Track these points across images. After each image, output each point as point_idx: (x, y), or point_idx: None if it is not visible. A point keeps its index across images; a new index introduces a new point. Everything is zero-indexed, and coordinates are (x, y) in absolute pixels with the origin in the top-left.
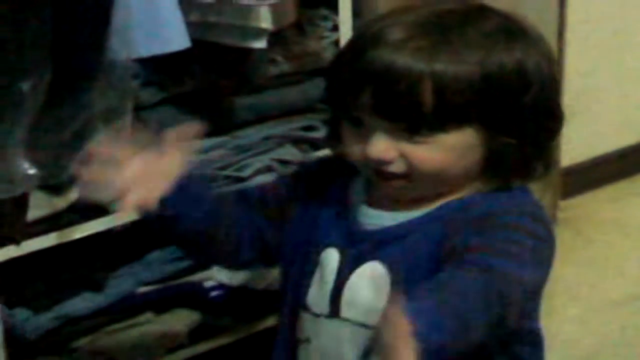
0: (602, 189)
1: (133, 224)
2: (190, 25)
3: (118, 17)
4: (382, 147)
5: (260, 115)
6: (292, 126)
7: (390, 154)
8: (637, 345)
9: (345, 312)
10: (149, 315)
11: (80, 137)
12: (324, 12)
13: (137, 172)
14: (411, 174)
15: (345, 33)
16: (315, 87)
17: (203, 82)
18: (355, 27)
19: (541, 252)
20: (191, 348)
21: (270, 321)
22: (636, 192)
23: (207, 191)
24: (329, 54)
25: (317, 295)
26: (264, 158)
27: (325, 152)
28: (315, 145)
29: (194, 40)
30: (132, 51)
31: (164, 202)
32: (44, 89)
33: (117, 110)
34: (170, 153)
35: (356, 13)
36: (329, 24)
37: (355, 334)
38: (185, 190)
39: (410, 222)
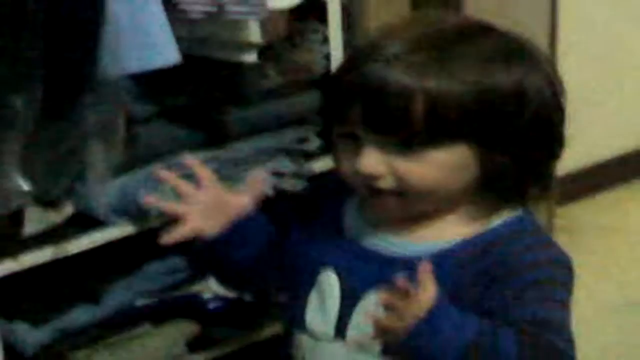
0: (599, 196)
1: (130, 237)
2: (180, 41)
3: (108, 32)
4: (373, 161)
5: (253, 128)
6: (285, 138)
7: (380, 168)
8: (635, 351)
9: (351, 335)
10: (147, 326)
11: (74, 153)
12: (315, 25)
13: (207, 200)
14: (402, 191)
15: (336, 46)
16: (307, 100)
17: (195, 96)
18: (345, 40)
19: (570, 301)
20: (190, 358)
21: (268, 332)
22: (633, 199)
23: (259, 235)
24: (320, 67)
25: (318, 317)
26: (258, 170)
27: (319, 163)
28: (309, 156)
29: (186, 55)
30: (123, 67)
31: (220, 239)
32: (37, 105)
33: (110, 125)
34: (243, 193)
35: (346, 26)
36: (320, 37)
37: (360, 357)
38: (240, 232)
39: (423, 252)
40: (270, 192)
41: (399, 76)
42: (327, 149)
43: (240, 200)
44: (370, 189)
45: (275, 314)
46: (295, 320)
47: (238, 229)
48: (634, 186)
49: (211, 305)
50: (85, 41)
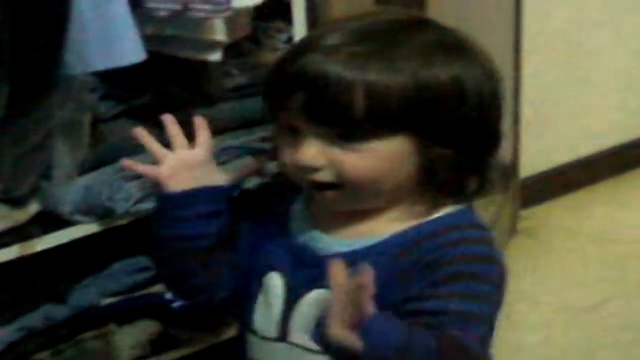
0: (562, 198)
1: (95, 235)
2: (145, 39)
3: (73, 31)
4: (312, 153)
5: (217, 127)
6: (249, 138)
7: (319, 160)
8: (601, 351)
9: (293, 336)
10: (112, 326)
11: (39, 151)
12: (279, 24)
13: (186, 159)
14: (343, 184)
15: None
16: None
17: (160, 95)
18: None
19: (496, 295)
20: (154, 358)
21: (231, 332)
22: (596, 201)
23: (227, 215)
24: None
25: (264, 318)
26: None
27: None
28: (272, 156)
29: (150, 53)
30: (88, 65)
31: (178, 195)
32: (2, 103)
33: (75, 123)
34: (229, 172)
35: (310, 25)
36: (284, 36)
37: (302, 357)
38: (202, 200)
39: (361, 251)
40: (235, 192)
41: (339, 68)
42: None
43: (220, 175)
44: (310, 182)
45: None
46: (246, 322)
47: (201, 197)
48: (596, 189)
49: (175, 305)
50: (51, 39)
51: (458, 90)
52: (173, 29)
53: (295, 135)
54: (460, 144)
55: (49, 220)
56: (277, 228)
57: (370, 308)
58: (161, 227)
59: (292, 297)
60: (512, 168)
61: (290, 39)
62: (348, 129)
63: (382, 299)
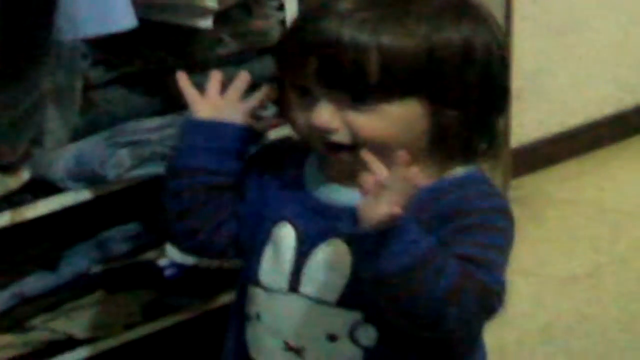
0: (553, 168)
1: (87, 203)
2: (136, 5)
3: None
4: (327, 115)
5: None
6: None
7: (334, 122)
8: (590, 320)
9: (304, 287)
10: (103, 293)
11: (30, 117)
12: None
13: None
14: (356, 145)
15: (291, 12)
16: (262, 66)
17: (151, 62)
18: (300, 6)
19: (508, 248)
20: (146, 326)
21: (225, 299)
22: (586, 171)
23: (244, 155)
24: (275, 33)
25: (272, 270)
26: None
27: (275, 130)
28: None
29: (141, 20)
30: (79, 31)
31: (205, 122)
32: None
33: (67, 90)
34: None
35: None
36: (275, 3)
37: (313, 309)
38: (231, 139)
39: None
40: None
41: (353, 32)
42: (281, 115)
43: (246, 117)
44: (325, 144)
45: (231, 282)
46: (250, 275)
47: (229, 132)
48: (587, 159)
49: (167, 273)
50: (42, 5)
51: (469, 52)
52: None
53: (307, 97)
54: (470, 105)
55: (41, 188)
56: (289, 183)
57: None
58: (181, 156)
59: (305, 248)
60: (502, 137)
61: (281, 6)
62: (362, 92)
63: None
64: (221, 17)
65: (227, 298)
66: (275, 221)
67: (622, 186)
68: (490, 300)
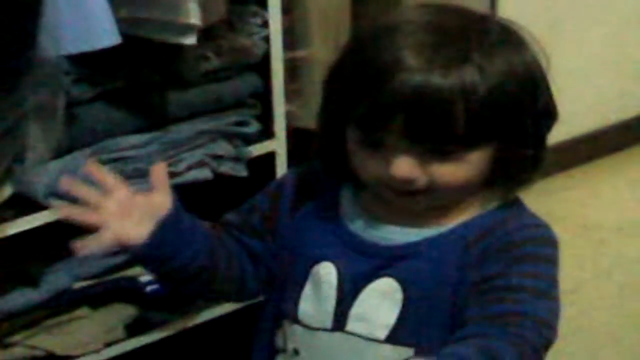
0: (536, 183)
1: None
2: (120, 22)
3: (47, 13)
4: (408, 168)
5: (192, 110)
6: (224, 121)
7: (415, 173)
8: (574, 336)
9: (351, 325)
10: (85, 310)
11: (12, 134)
12: (254, 8)
13: (122, 204)
14: (432, 189)
15: (275, 30)
16: (245, 83)
17: (135, 79)
18: (284, 24)
19: (557, 275)
20: (128, 342)
21: (206, 315)
22: (570, 186)
23: (198, 227)
24: (259, 50)
25: (313, 309)
26: (197, 153)
27: (258, 147)
28: (247, 140)
29: (125, 36)
30: (62, 48)
31: (154, 241)
32: None
33: (49, 107)
34: (157, 190)
35: (285, 10)
36: (259, 20)
37: (362, 346)
38: (176, 228)
39: (428, 240)
40: (209, 175)
41: (437, 81)
42: (265, 132)
43: (158, 197)
44: (398, 191)
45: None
46: (286, 312)
47: (170, 228)
48: (572, 174)
49: (148, 289)
50: (24, 22)
51: (532, 83)
52: (148, 12)
53: (382, 149)
54: (531, 137)
55: (23, 204)
56: (324, 212)
57: None
58: (154, 270)
59: (348, 287)
60: None
61: (265, 23)
62: (448, 142)
63: (460, 282)
64: (205, 33)
65: (208, 314)
66: (314, 259)
67: (605, 201)
68: (544, 343)
